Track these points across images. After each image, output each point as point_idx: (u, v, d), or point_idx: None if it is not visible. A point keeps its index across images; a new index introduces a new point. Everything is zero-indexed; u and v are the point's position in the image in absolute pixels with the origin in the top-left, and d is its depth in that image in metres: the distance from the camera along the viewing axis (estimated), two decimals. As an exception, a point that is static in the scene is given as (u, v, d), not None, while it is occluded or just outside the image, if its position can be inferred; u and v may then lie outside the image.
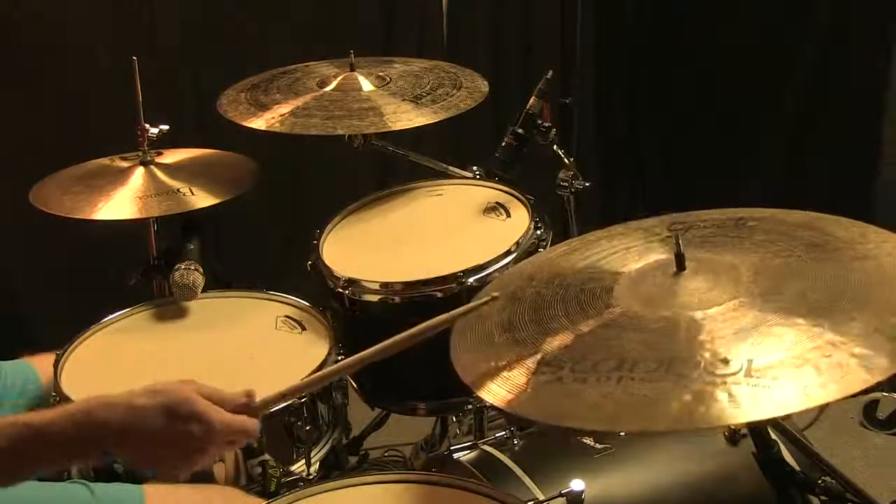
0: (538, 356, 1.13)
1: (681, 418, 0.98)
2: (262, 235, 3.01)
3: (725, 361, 1.02)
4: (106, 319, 1.89)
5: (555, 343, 1.15)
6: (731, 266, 1.19)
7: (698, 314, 1.11)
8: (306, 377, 1.48)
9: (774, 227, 1.28)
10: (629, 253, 1.30)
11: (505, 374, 1.14)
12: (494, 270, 1.81)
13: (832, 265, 1.16)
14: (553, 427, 1.17)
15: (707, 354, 1.04)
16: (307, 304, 1.91)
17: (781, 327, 1.05)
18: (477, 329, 1.25)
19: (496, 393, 1.12)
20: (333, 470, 1.81)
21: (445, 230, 2.02)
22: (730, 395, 0.98)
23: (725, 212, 1.35)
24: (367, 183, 2.22)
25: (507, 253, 1.83)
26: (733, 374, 1.00)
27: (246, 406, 1.24)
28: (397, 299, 1.82)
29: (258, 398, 1.26)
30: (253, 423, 1.23)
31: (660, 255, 1.27)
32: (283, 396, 1.31)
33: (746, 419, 0.97)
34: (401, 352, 1.89)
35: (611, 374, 1.05)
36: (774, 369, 0.99)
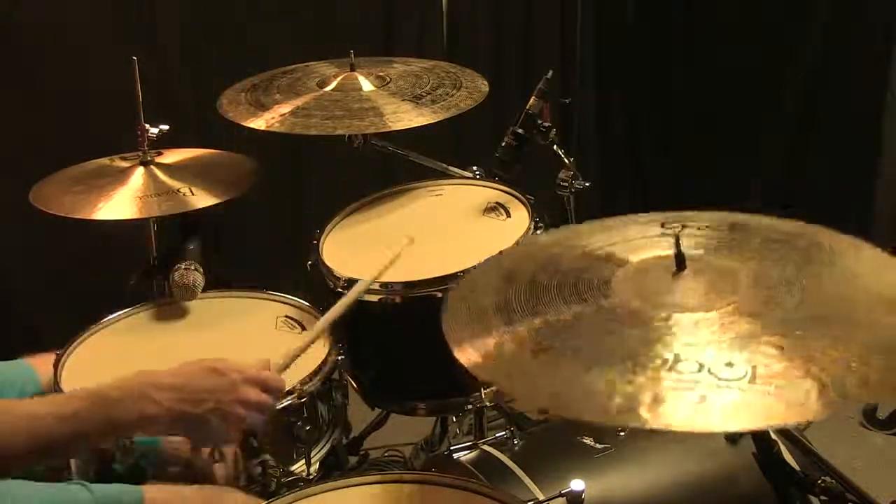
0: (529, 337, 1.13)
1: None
2: (262, 235, 3.01)
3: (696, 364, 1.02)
4: (106, 319, 1.89)
5: (539, 322, 1.15)
6: (729, 271, 1.19)
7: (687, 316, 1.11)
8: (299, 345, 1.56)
9: (769, 234, 1.28)
10: (627, 246, 1.30)
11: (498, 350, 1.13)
12: (494, 270, 1.81)
13: (825, 281, 1.16)
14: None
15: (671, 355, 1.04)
16: (307, 304, 1.90)
17: (767, 344, 1.05)
18: (471, 306, 1.25)
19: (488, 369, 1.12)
20: (333, 470, 1.81)
21: (445, 230, 2.02)
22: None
23: (720, 215, 1.35)
24: (367, 183, 2.22)
25: (507, 253, 1.83)
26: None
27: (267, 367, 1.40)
28: (397, 299, 1.82)
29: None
30: (281, 378, 1.40)
31: (657, 251, 1.26)
32: (290, 357, 1.48)
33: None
34: (401, 352, 1.90)
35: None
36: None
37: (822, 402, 0.96)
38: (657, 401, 0.98)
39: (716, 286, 1.16)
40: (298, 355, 1.54)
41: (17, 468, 1.30)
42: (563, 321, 1.13)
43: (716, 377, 1.00)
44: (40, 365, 1.76)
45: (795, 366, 1.00)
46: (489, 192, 2.11)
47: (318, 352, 1.75)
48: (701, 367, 1.01)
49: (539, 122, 2.12)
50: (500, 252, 1.36)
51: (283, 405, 1.63)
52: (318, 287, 1.91)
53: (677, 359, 1.03)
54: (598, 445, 1.53)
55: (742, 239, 1.27)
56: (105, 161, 2.13)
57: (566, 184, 2.13)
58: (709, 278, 1.18)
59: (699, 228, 1.29)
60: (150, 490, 1.46)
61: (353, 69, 2.20)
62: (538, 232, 1.90)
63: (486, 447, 1.59)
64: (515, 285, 1.23)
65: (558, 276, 1.23)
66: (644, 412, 0.97)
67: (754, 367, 1.00)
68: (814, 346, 1.03)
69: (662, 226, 1.28)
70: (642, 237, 1.30)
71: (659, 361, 1.03)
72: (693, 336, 1.06)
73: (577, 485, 1.36)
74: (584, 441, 1.54)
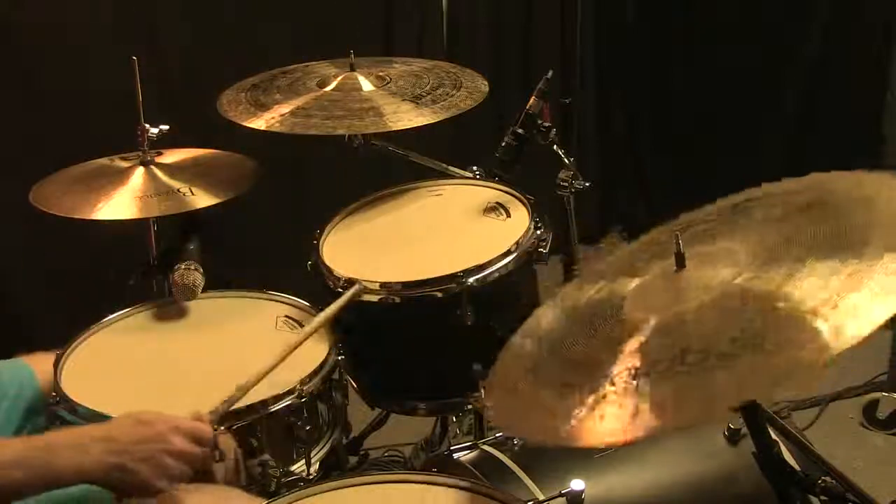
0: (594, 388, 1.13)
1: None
2: (262, 235, 3.01)
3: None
4: (106, 319, 1.89)
5: (590, 373, 1.15)
6: (728, 250, 1.19)
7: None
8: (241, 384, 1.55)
9: (768, 201, 1.28)
10: (626, 274, 1.31)
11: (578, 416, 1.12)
12: (494, 270, 1.81)
13: (831, 218, 1.16)
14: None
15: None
16: (307, 304, 1.90)
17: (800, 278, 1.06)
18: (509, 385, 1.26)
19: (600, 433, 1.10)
20: (333, 470, 1.81)
21: (445, 230, 2.02)
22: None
23: (717, 204, 1.36)
24: (367, 183, 2.22)
25: (507, 253, 1.83)
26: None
27: (200, 417, 1.44)
28: (397, 299, 1.82)
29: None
30: (207, 427, 1.42)
31: (657, 265, 1.27)
32: (225, 403, 1.50)
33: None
34: (401, 352, 1.89)
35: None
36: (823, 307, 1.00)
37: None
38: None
39: (720, 267, 1.16)
40: (234, 402, 1.54)
41: None
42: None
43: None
44: (38, 364, 1.76)
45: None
46: (489, 192, 2.11)
47: (318, 352, 1.76)
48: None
49: (539, 122, 2.12)
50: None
51: (283, 405, 1.63)
52: (318, 287, 1.91)
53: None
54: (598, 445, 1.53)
55: (738, 218, 1.28)
56: (105, 161, 2.13)
57: (566, 184, 2.13)
58: (711, 264, 1.18)
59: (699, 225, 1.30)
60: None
61: (353, 69, 2.20)
62: (538, 233, 1.90)
63: (486, 447, 1.59)
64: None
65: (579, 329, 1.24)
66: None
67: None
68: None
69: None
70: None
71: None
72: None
73: (577, 485, 1.36)
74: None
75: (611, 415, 1.07)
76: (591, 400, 1.10)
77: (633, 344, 1.13)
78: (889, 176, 1.20)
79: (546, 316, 1.37)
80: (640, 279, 1.26)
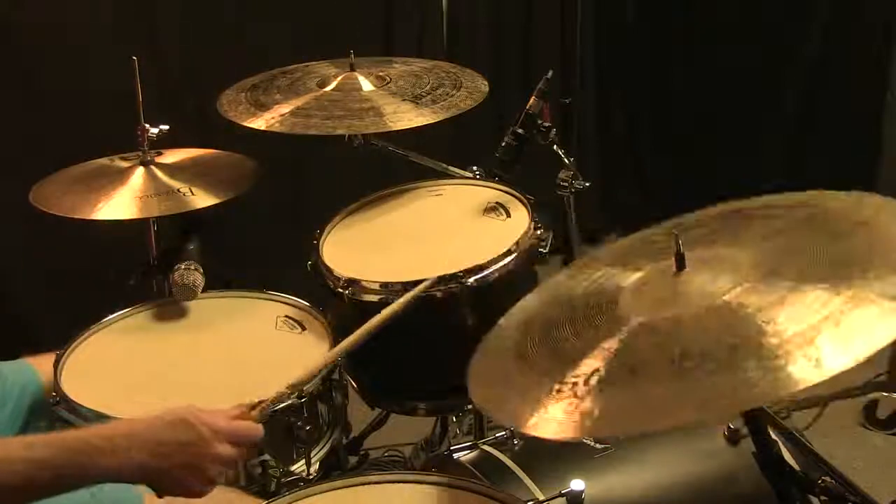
0: (565, 380, 1.12)
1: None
2: (262, 235, 3.01)
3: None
4: (106, 319, 1.89)
5: (572, 364, 1.14)
6: (730, 257, 1.19)
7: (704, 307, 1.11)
8: (294, 379, 1.48)
9: (769, 212, 1.28)
10: (626, 268, 1.31)
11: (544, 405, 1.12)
12: (494, 270, 1.81)
13: (831, 236, 1.17)
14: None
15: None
16: (307, 304, 1.91)
17: (791, 303, 1.05)
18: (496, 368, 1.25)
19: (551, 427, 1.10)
20: (333, 470, 1.81)
21: (445, 230, 2.02)
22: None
23: (717, 208, 1.36)
24: (367, 183, 2.21)
25: (507, 253, 1.83)
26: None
27: (244, 413, 1.34)
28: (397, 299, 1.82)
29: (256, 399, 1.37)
30: (256, 426, 1.33)
31: (656, 263, 1.27)
32: (277, 398, 1.41)
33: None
34: (401, 352, 1.89)
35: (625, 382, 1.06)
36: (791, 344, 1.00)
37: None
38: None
39: (719, 274, 1.16)
40: (289, 396, 1.50)
41: None
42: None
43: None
44: (42, 365, 1.77)
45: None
46: (489, 192, 2.11)
47: (318, 352, 1.76)
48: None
49: (539, 122, 2.12)
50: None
51: (283, 405, 1.63)
52: (318, 287, 1.91)
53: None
54: (598, 445, 1.53)
55: (739, 225, 1.28)
56: (105, 161, 2.13)
57: (566, 184, 2.12)
58: (711, 269, 1.18)
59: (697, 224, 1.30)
60: (151, 491, 1.46)
61: (353, 69, 2.20)
62: (538, 232, 1.90)
63: (486, 447, 1.59)
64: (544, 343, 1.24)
65: (570, 316, 1.24)
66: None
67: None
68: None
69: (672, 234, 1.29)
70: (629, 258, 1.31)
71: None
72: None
73: (577, 485, 1.36)
74: (584, 441, 1.54)
75: (566, 410, 1.07)
76: (556, 392, 1.10)
77: (614, 342, 1.13)
78: (886, 200, 1.20)
79: (536, 301, 1.36)
80: (637, 276, 1.26)
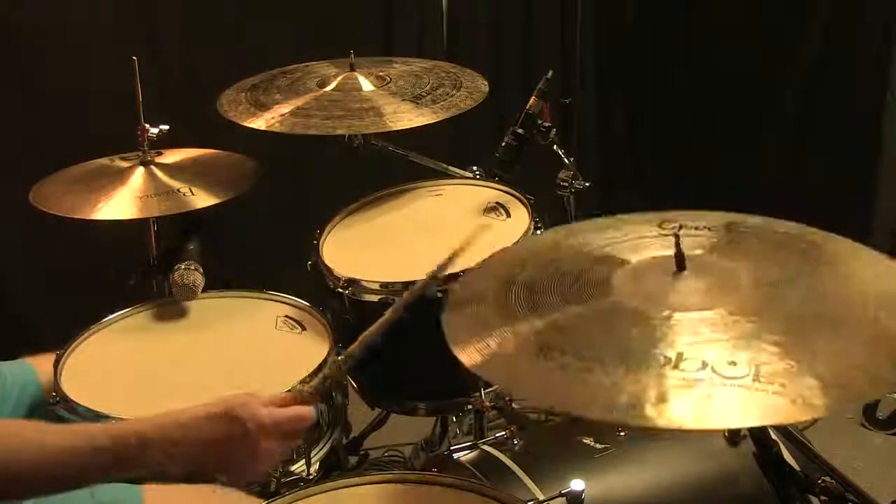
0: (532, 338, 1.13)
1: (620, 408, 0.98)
2: (262, 235, 3.01)
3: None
4: (106, 319, 1.89)
5: (550, 326, 1.14)
6: (729, 272, 1.19)
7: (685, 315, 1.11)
8: (337, 358, 1.43)
9: (767, 235, 1.28)
10: (624, 245, 1.30)
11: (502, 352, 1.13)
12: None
13: (825, 281, 1.16)
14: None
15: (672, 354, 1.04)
16: (307, 304, 1.91)
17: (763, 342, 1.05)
18: (473, 313, 1.24)
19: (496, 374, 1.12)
20: (333, 470, 1.81)
21: (445, 230, 2.02)
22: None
23: (716, 214, 1.35)
24: (367, 183, 2.22)
25: (507, 253, 1.83)
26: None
27: (293, 397, 1.32)
28: (397, 299, 1.82)
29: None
30: (306, 412, 1.30)
31: (656, 251, 1.26)
32: (324, 380, 1.38)
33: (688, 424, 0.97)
34: (401, 352, 1.89)
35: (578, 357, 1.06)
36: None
37: (826, 400, 0.96)
38: (662, 399, 0.98)
39: (716, 286, 1.16)
40: (341, 369, 1.44)
41: (36, 495, 1.30)
42: (565, 321, 1.13)
43: (720, 376, 1.00)
44: (41, 365, 1.77)
45: (798, 363, 1.00)
46: (489, 192, 2.11)
47: (318, 351, 1.76)
48: (704, 365, 1.01)
49: (539, 122, 2.12)
50: (499, 251, 1.35)
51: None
52: (318, 287, 1.91)
53: (680, 357, 1.03)
54: (598, 445, 1.53)
55: (740, 239, 1.27)
56: (105, 161, 2.13)
57: (566, 184, 2.13)
58: (709, 278, 1.18)
59: (697, 229, 1.29)
60: (150, 490, 1.47)
61: (353, 69, 2.20)
62: (538, 232, 1.90)
63: (486, 447, 1.59)
64: (516, 287, 1.23)
65: (558, 276, 1.23)
66: (649, 410, 0.97)
67: (758, 366, 1.00)
68: (816, 343, 1.04)
69: (660, 226, 1.28)
70: (639, 237, 1.30)
71: (662, 359, 1.03)
72: (695, 335, 1.06)
73: (577, 485, 1.36)
74: (584, 441, 1.54)
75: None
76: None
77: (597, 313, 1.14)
78: (880, 256, 1.20)
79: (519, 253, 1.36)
80: (634, 262, 1.25)
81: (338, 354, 1.71)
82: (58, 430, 1.24)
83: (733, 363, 1.01)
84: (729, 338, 1.06)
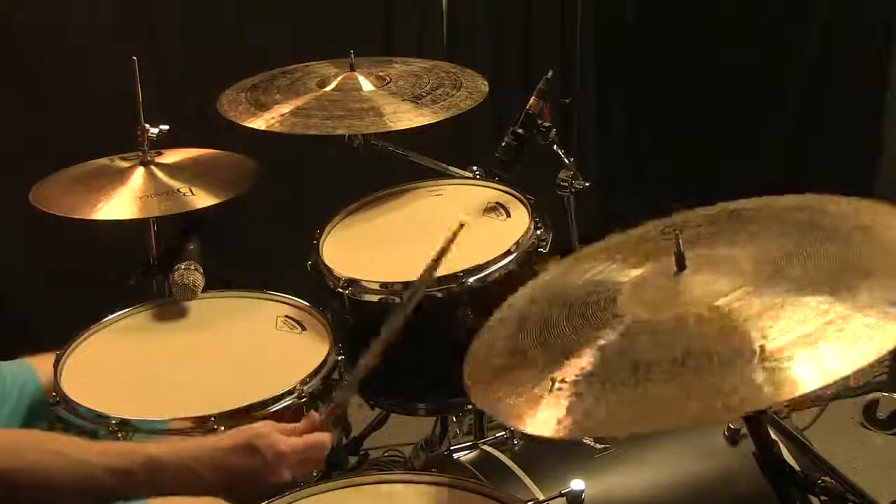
0: (556, 377, 1.12)
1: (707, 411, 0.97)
2: (262, 235, 3.01)
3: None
4: (106, 319, 1.89)
5: (570, 361, 1.13)
6: (730, 258, 1.19)
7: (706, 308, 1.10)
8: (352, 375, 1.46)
9: (768, 214, 1.28)
10: (625, 263, 1.30)
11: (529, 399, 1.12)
12: (494, 270, 1.81)
13: (830, 242, 1.16)
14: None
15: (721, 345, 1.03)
16: (307, 304, 1.90)
17: (791, 307, 1.04)
18: (487, 360, 1.25)
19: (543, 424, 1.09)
20: (333, 470, 1.81)
21: (445, 230, 2.01)
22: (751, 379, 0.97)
23: (716, 207, 1.36)
24: (367, 183, 2.22)
25: (507, 253, 1.83)
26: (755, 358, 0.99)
27: (311, 423, 1.36)
28: (397, 299, 1.82)
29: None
30: (323, 438, 1.36)
31: (656, 260, 1.26)
32: (338, 406, 1.43)
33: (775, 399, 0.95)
34: (401, 352, 1.89)
35: (627, 381, 1.05)
36: (790, 349, 0.99)
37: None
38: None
39: (720, 275, 1.15)
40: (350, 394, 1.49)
41: None
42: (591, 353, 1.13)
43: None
44: (41, 365, 1.76)
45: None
46: (489, 192, 2.11)
47: (318, 352, 1.76)
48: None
49: (539, 122, 2.12)
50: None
51: (283, 405, 1.63)
52: (318, 287, 1.91)
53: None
54: (598, 445, 1.53)
55: (738, 227, 1.27)
56: (105, 161, 2.13)
57: (566, 184, 2.13)
58: (711, 270, 1.18)
59: (696, 226, 1.30)
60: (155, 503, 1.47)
61: (353, 69, 2.20)
62: (538, 232, 1.90)
63: (486, 447, 1.59)
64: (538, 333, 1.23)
65: (567, 311, 1.24)
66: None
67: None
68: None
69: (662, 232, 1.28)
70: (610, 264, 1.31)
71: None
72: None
73: (577, 485, 1.36)
74: (584, 441, 1.54)
75: (564, 406, 1.07)
76: (555, 389, 1.10)
77: (613, 339, 1.13)
78: (884, 205, 1.20)
79: (529, 296, 1.36)
80: (636, 273, 1.26)
81: (342, 378, 1.73)
82: (103, 450, 1.29)
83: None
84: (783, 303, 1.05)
